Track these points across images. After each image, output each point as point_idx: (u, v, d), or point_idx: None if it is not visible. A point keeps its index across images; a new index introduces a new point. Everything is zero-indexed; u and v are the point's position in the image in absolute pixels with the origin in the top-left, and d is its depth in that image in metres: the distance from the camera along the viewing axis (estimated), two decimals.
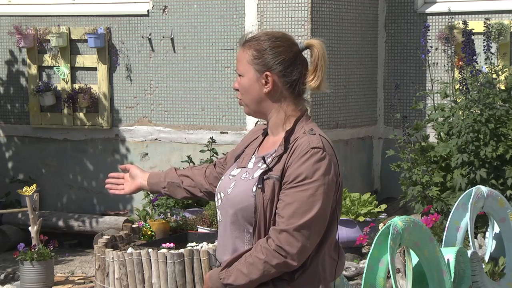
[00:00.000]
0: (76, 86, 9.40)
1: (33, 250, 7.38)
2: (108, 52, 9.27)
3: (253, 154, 3.26)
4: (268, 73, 3.14)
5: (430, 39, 8.50)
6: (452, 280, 5.09)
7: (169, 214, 7.85)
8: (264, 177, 3.09)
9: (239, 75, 3.20)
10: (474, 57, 7.44)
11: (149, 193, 8.35)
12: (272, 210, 3.07)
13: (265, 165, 3.12)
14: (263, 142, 3.28)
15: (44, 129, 9.65)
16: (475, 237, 6.55)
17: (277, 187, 3.07)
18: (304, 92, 3.24)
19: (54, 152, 9.66)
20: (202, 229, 7.48)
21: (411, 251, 4.96)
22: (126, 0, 9.28)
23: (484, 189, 5.74)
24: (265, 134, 3.30)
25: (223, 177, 3.30)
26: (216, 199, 3.28)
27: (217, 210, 3.27)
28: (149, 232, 7.40)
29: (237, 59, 3.22)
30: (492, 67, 7.61)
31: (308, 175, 3.03)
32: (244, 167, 3.23)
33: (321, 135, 3.13)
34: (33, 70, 9.59)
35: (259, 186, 3.08)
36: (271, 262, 3.02)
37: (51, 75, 9.58)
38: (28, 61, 9.61)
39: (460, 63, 7.87)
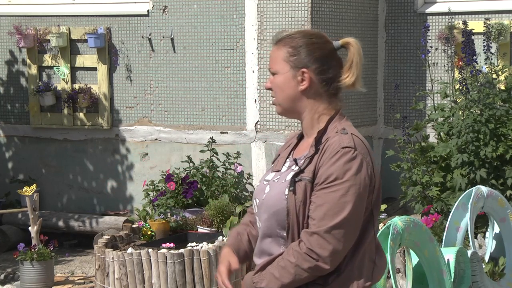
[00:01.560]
0: (76, 86, 9.40)
1: (33, 250, 7.38)
2: (108, 52, 9.27)
3: (287, 157, 3.20)
4: (304, 69, 3.10)
5: (430, 39, 8.50)
6: (452, 280, 5.09)
7: (169, 214, 7.85)
8: (296, 179, 3.03)
9: (273, 74, 3.14)
10: (474, 57, 7.44)
11: (149, 193, 8.37)
12: (305, 212, 3.01)
13: (297, 167, 3.06)
14: (298, 145, 3.22)
15: (44, 129, 9.65)
16: (475, 237, 6.55)
17: (309, 189, 3.01)
18: (339, 91, 3.19)
19: (54, 152, 9.66)
20: (202, 229, 7.49)
21: (411, 251, 4.96)
22: (126, 0, 9.28)
23: (484, 189, 5.74)
24: (300, 137, 3.24)
25: (258, 183, 3.25)
26: (253, 206, 3.22)
27: (255, 216, 3.22)
28: (149, 232, 7.40)
29: (270, 58, 3.17)
30: (492, 67, 7.61)
31: (339, 176, 2.96)
32: (278, 171, 3.17)
33: (353, 134, 3.06)
34: (33, 70, 9.59)
35: (290, 188, 3.02)
36: (302, 266, 2.95)
37: (51, 75, 9.58)
38: (28, 61, 9.61)
39: (460, 63, 7.87)
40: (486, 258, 6.06)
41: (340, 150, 2.99)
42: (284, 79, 3.12)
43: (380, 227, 6.36)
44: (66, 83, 9.43)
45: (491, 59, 7.55)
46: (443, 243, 5.68)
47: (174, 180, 8.19)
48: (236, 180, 8.30)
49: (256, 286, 3.05)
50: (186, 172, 8.38)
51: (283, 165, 3.18)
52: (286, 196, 3.03)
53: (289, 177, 3.07)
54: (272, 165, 3.26)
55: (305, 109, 3.13)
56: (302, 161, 3.06)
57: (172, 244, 6.93)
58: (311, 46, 3.14)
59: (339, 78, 3.15)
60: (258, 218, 3.17)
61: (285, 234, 3.05)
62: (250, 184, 8.48)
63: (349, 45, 3.24)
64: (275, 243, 3.09)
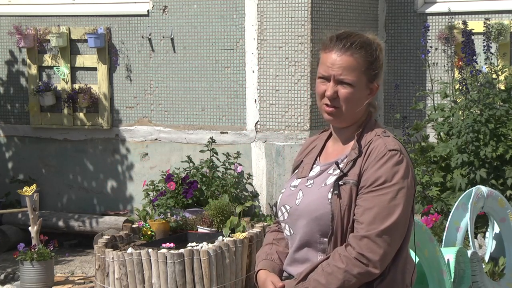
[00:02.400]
0: (76, 86, 9.40)
1: (33, 250, 7.38)
2: (108, 52, 9.27)
3: (313, 163, 3.13)
4: (376, 84, 3.04)
5: (430, 39, 8.50)
6: (452, 280, 5.09)
7: (169, 214, 7.85)
8: (340, 183, 2.96)
9: (344, 83, 3.00)
10: (474, 57, 7.44)
11: (149, 193, 8.37)
12: (349, 216, 2.94)
13: (338, 171, 2.99)
14: (324, 149, 3.16)
15: (44, 129, 9.65)
16: (475, 237, 6.55)
17: (354, 192, 2.95)
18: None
19: (54, 152, 9.66)
20: (202, 229, 7.48)
21: (411, 251, 4.96)
22: (126, 0, 9.28)
23: (484, 189, 5.74)
24: (324, 142, 3.17)
25: (283, 190, 3.17)
26: (280, 214, 3.12)
27: (283, 224, 3.12)
28: (149, 232, 7.40)
29: (343, 66, 3.00)
30: (492, 67, 7.61)
31: (388, 178, 2.91)
32: (304, 177, 3.10)
33: (395, 138, 3.03)
34: (33, 70, 9.59)
35: (335, 192, 2.95)
36: (352, 271, 2.88)
37: (51, 75, 9.58)
38: (28, 61, 9.61)
39: (460, 63, 7.87)
40: (486, 258, 6.06)
41: (387, 153, 2.94)
42: (360, 93, 3.02)
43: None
44: (66, 83, 9.43)
45: (491, 59, 7.55)
46: (443, 243, 5.68)
47: (174, 180, 8.19)
48: (236, 180, 8.30)
49: None
50: (186, 172, 8.38)
51: (310, 170, 3.11)
52: (330, 200, 2.96)
53: (330, 180, 3.00)
54: (296, 171, 3.18)
55: (355, 118, 3.07)
56: (343, 164, 3.00)
57: (172, 244, 6.93)
58: (380, 56, 3.09)
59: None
60: (290, 225, 3.08)
61: (325, 239, 2.98)
62: (250, 184, 8.48)
63: (381, 49, 3.15)
64: (312, 250, 3.02)
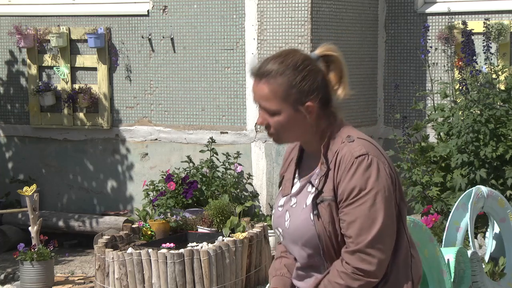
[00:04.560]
0: (76, 86, 9.40)
1: (33, 250, 7.38)
2: (108, 52, 9.27)
3: (293, 178, 3.09)
4: (309, 103, 2.92)
5: (430, 39, 8.50)
6: (452, 280, 5.09)
7: (169, 214, 7.85)
8: (317, 201, 2.93)
9: (270, 113, 2.94)
10: (474, 57, 7.44)
11: (149, 193, 8.37)
12: (336, 231, 2.92)
13: (313, 188, 2.96)
14: (302, 162, 3.10)
15: (44, 129, 9.65)
16: (475, 237, 6.55)
17: (334, 208, 2.90)
18: (332, 99, 3.01)
19: (54, 152, 9.66)
20: (202, 229, 7.49)
21: None
22: (126, 0, 9.28)
23: (484, 189, 5.74)
24: (300, 151, 3.11)
25: (274, 210, 3.12)
26: (277, 235, 3.12)
27: (283, 243, 3.13)
28: (149, 232, 7.40)
29: (260, 95, 2.94)
30: (492, 67, 7.61)
31: (362, 187, 2.85)
32: (287, 194, 3.07)
33: (360, 138, 2.95)
34: (33, 70, 9.59)
35: (315, 212, 2.91)
36: (352, 285, 2.87)
37: (51, 75, 9.58)
38: (28, 61, 9.61)
39: (460, 63, 7.87)
40: (486, 258, 6.06)
41: (354, 161, 2.88)
42: (288, 119, 2.93)
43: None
44: (66, 83, 9.43)
45: (491, 59, 7.55)
46: (443, 243, 5.68)
47: (174, 180, 8.19)
48: (236, 180, 8.30)
49: None
50: (186, 172, 8.38)
51: (292, 187, 3.07)
52: (313, 222, 2.93)
53: (308, 201, 2.97)
54: (280, 189, 3.14)
55: (310, 133, 2.98)
56: (317, 181, 2.95)
57: (172, 244, 6.93)
58: (303, 73, 2.92)
59: (332, 92, 2.99)
60: (287, 247, 3.09)
61: (320, 257, 2.97)
62: (250, 184, 8.48)
63: (333, 57, 2.98)
64: (315, 267, 3.01)
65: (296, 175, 3.09)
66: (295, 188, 3.06)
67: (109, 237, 7.15)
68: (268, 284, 3.22)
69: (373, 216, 2.86)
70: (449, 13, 8.63)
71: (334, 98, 3.01)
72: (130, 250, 6.74)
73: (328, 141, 2.97)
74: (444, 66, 8.63)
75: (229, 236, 7.18)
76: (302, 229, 2.96)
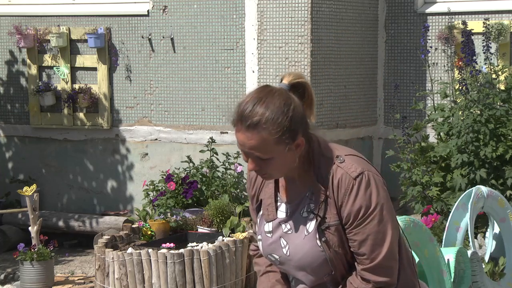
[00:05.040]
0: (76, 86, 9.40)
1: (33, 250, 7.38)
2: (108, 52, 9.27)
3: (276, 201, 3.07)
4: (299, 140, 2.91)
5: (430, 39, 8.51)
6: (452, 280, 5.09)
7: (169, 214, 7.85)
8: (323, 228, 2.95)
9: (262, 159, 2.90)
10: (474, 57, 7.44)
11: (149, 193, 8.37)
12: (345, 250, 2.96)
13: (312, 215, 2.96)
14: (280, 183, 3.08)
15: (44, 129, 9.65)
16: (475, 237, 6.55)
17: (341, 230, 2.95)
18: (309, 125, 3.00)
19: (54, 152, 9.66)
20: (202, 229, 7.49)
21: (411, 251, 4.96)
22: (126, 0, 9.28)
23: (484, 189, 5.74)
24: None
25: (259, 236, 3.10)
26: (270, 259, 3.10)
27: (277, 266, 3.12)
28: (149, 232, 7.40)
29: (251, 146, 2.88)
30: (492, 67, 7.61)
31: (368, 205, 2.90)
32: (273, 220, 3.06)
33: (348, 155, 2.96)
34: (33, 70, 9.59)
35: (323, 240, 2.95)
36: None
37: (51, 75, 9.58)
38: (28, 61, 9.61)
39: (459, 63, 7.87)
40: (486, 258, 6.06)
41: (353, 182, 2.91)
42: (282, 161, 2.92)
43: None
44: (66, 83, 9.43)
45: (491, 59, 7.55)
46: (443, 243, 5.68)
47: (174, 180, 8.19)
48: (236, 180, 8.30)
49: None
50: (186, 172, 8.38)
51: (277, 210, 3.05)
52: (321, 248, 2.96)
53: (310, 227, 2.97)
54: (260, 213, 3.10)
55: (295, 163, 2.96)
56: (316, 207, 2.96)
57: (172, 244, 6.93)
58: (290, 115, 2.87)
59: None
60: (287, 271, 3.09)
61: (329, 276, 3.00)
62: None
63: (302, 84, 2.97)
64: (324, 284, 3.04)
65: (278, 197, 3.07)
66: (281, 213, 3.05)
67: (109, 237, 7.15)
68: None
69: (383, 230, 2.92)
70: (449, 13, 8.63)
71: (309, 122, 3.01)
72: (130, 250, 6.74)
73: (316, 166, 2.97)
74: (444, 66, 8.63)
75: (229, 236, 7.18)
76: (310, 256, 2.97)
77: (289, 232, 3.02)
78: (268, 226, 3.07)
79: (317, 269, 2.99)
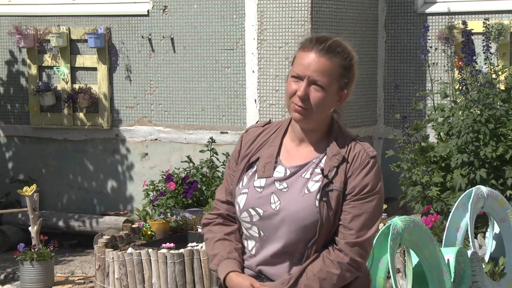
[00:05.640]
0: (76, 86, 9.40)
1: (33, 250, 7.38)
2: (108, 52, 9.27)
3: (275, 162, 3.09)
4: (346, 91, 3.06)
5: (430, 39, 8.51)
6: (452, 280, 5.09)
7: (169, 214, 7.85)
8: (327, 189, 2.99)
9: (317, 85, 2.99)
10: (474, 57, 7.44)
11: (149, 193, 8.37)
12: (334, 222, 3.00)
13: (320, 176, 3.01)
14: (283, 148, 3.11)
15: (44, 129, 9.65)
16: (475, 237, 6.55)
17: (341, 199, 3.00)
18: None
19: (54, 152, 9.66)
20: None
21: (411, 251, 4.96)
22: (126, 0, 9.29)
23: (484, 189, 5.74)
24: (279, 139, 3.13)
25: (245, 190, 3.08)
26: (245, 215, 3.07)
27: (249, 225, 3.06)
28: (149, 232, 7.40)
29: (318, 69, 2.99)
30: (492, 67, 7.61)
31: (373, 186, 3.01)
32: (269, 177, 3.06)
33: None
34: (33, 70, 9.60)
35: (324, 199, 2.98)
36: (345, 276, 2.98)
37: (51, 75, 9.58)
38: (28, 61, 9.62)
39: (459, 63, 7.87)
40: (486, 258, 6.06)
41: (370, 160, 3.05)
42: (331, 98, 3.03)
43: (380, 227, 6.35)
44: (66, 83, 9.44)
45: (491, 59, 7.55)
46: (443, 243, 5.68)
47: (174, 180, 8.19)
48: None
49: None
50: (186, 172, 8.38)
51: (274, 170, 3.07)
52: (318, 208, 2.98)
53: (313, 187, 3.00)
54: (253, 169, 3.11)
55: (321, 121, 3.07)
56: (327, 171, 3.01)
57: (172, 244, 6.93)
58: (354, 67, 3.08)
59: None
60: (262, 229, 3.04)
61: (308, 243, 2.99)
62: None
63: (354, 63, 3.11)
64: (291, 253, 3.03)
65: (278, 160, 3.10)
66: (277, 173, 3.06)
67: (109, 237, 7.15)
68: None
69: (375, 216, 3.02)
70: (449, 13, 8.63)
71: None
72: (130, 250, 6.74)
73: (336, 135, 3.08)
74: (444, 66, 8.63)
75: None
76: (303, 213, 2.98)
77: (284, 190, 3.03)
78: (260, 182, 3.06)
79: (302, 229, 2.98)
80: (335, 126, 3.11)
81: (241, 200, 3.07)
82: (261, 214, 3.03)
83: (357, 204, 2.99)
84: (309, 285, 2.97)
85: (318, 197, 2.97)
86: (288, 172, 3.06)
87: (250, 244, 3.11)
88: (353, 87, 3.09)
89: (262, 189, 3.05)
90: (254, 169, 3.11)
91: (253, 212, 3.04)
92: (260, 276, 3.08)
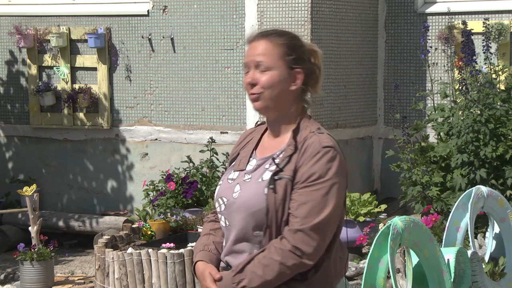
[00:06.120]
0: (76, 86, 9.40)
1: (33, 250, 7.38)
2: (108, 52, 9.27)
3: (250, 156, 3.22)
4: (299, 70, 3.11)
5: (430, 39, 8.51)
6: (452, 280, 5.09)
7: (169, 214, 7.85)
8: (276, 178, 3.06)
9: (262, 69, 3.11)
10: (474, 57, 7.44)
11: (149, 193, 8.37)
12: (284, 210, 3.04)
13: (274, 166, 3.09)
14: (260, 143, 3.25)
15: (44, 129, 9.65)
16: (475, 237, 6.55)
17: (289, 187, 3.04)
18: (309, 90, 3.21)
19: (54, 152, 9.66)
20: (202, 229, 7.48)
21: (411, 251, 4.96)
22: (126, 0, 9.29)
23: (484, 189, 5.74)
24: (260, 135, 3.26)
25: (221, 182, 3.25)
26: (217, 205, 3.21)
27: (220, 215, 3.20)
28: (149, 232, 7.40)
29: (259, 52, 3.12)
30: (492, 67, 7.61)
31: (322, 174, 3.02)
32: (242, 170, 3.19)
33: (328, 134, 3.13)
34: (33, 70, 9.60)
35: (270, 186, 3.05)
36: (287, 263, 2.99)
37: (51, 75, 9.58)
38: (28, 61, 9.62)
39: (459, 63, 7.87)
40: (486, 258, 6.06)
41: (321, 150, 3.04)
42: (279, 77, 3.10)
43: (380, 227, 6.36)
44: (66, 83, 9.44)
45: (491, 59, 7.55)
46: (443, 243, 5.68)
47: (174, 180, 8.19)
48: None
49: (236, 286, 3.03)
50: (186, 172, 8.38)
51: (247, 163, 3.19)
52: (265, 196, 3.05)
53: (266, 176, 3.09)
54: (232, 164, 3.26)
55: (284, 108, 3.14)
56: (279, 160, 3.09)
57: (172, 244, 6.93)
58: (304, 48, 3.15)
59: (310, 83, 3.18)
60: (226, 217, 3.16)
61: (260, 233, 3.07)
62: None
63: (316, 53, 3.18)
64: (249, 242, 3.10)
65: (253, 154, 3.22)
66: (250, 166, 3.18)
67: (109, 237, 7.15)
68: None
69: (324, 204, 3.01)
70: (449, 13, 8.63)
71: (310, 91, 3.20)
72: (130, 250, 6.74)
73: (298, 127, 3.13)
74: (444, 66, 8.63)
75: None
76: (252, 200, 3.07)
77: (247, 180, 3.14)
78: (234, 175, 3.20)
79: (252, 216, 3.06)
80: (304, 119, 3.15)
81: (216, 190, 3.23)
82: (226, 203, 3.15)
83: (303, 192, 3.01)
84: (254, 271, 3.02)
85: (267, 184, 3.05)
86: (256, 165, 3.16)
87: (225, 236, 3.24)
88: (306, 69, 3.12)
89: (232, 181, 3.18)
90: (234, 163, 3.26)
91: (220, 202, 3.18)
92: (228, 266, 3.17)
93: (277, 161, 3.09)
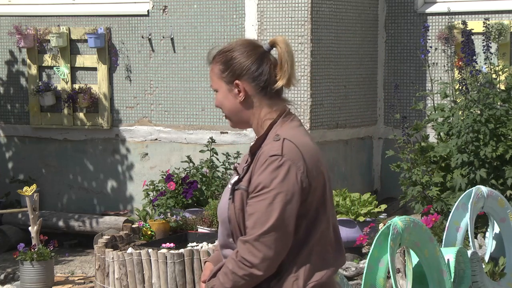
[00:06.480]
0: (76, 86, 9.40)
1: (33, 250, 7.38)
2: (108, 52, 9.27)
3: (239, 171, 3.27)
4: (237, 81, 3.12)
5: (430, 39, 8.51)
6: (452, 280, 5.09)
7: (169, 214, 7.85)
8: (235, 188, 3.09)
9: (216, 92, 3.20)
10: (474, 57, 7.44)
11: (149, 193, 8.37)
12: (242, 217, 3.07)
13: (237, 176, 3.13)
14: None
15: (44, 129, 9.65)
16: (475, 237, 6.55)
17: (245, 197, 3.06)
18: (280, 92, 3.16)
19: (54, 152, 9.66)
20: (202, 229, 7.49)
21: (411, 251, 4.96)
22: (126, 0, 9.29)
23: (484, 189, 5.74)
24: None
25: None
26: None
27: None
28: (149, 232, 7.40)
29: (210, 77, 3.23)
30: (492, 67, 7.61)
31: (266, 184, 3.00)
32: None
33: (286, 139, 3.06)
34: (33, 70, 9.60)
35: (229, 197, 3.10)
36: (238, 273, 3.02)
37: (51, 75, 9.58)
38: (28, 61, 9.62)
39: (460, 63, 7.87)
40: (486, 258, 6.06)
41: (267, 159, 3.02)
42: (223, 95, 3.17)
43: (380, 227, 6.36)
44: (66, 83, 9.44)
45: (491, 59, 7.55)
46: (443, 243, 5.68)
47: (174, 180, 8.19)
48: None
49: None
50: (186, 172, 8.38)
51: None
52: (228, 205, 3.12)
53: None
54: None
55: (250, 118, 3.16)
56: (241, 170, 3.13)
57: (172, 244, 6.93)
58: (240, 57, 3.14)
59: (275, 79, 3.14)
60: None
61: (232, 240, 3.13)
62: None
63: (276, 44, 3.14)
64: (231, 250, 3.15)
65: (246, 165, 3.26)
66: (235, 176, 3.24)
67: (109, 237, 7.15)
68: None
69: (268, 214, 3.00)
70: (449, 13, 8.63)
71: (280, 89, 3.15)
72: (130, 250, 6.74)
73: (265, 134, 3.13)
74: (444, 66, 8.63)
75: None
76: (221, 209, 3.16)
77: (227, 190, 3.20)
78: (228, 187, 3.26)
79: (222, 224, 3.16)
80: (278, 123, 3.13)
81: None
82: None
83: (251, 203, 3.03)
84: (218, 277, 3.09)
85: (228, 195, 3.12)
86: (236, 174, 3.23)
87: None
88: (249, 77, 3.12)
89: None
90: None
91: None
92: None
93: (239, 171, 3.13)
